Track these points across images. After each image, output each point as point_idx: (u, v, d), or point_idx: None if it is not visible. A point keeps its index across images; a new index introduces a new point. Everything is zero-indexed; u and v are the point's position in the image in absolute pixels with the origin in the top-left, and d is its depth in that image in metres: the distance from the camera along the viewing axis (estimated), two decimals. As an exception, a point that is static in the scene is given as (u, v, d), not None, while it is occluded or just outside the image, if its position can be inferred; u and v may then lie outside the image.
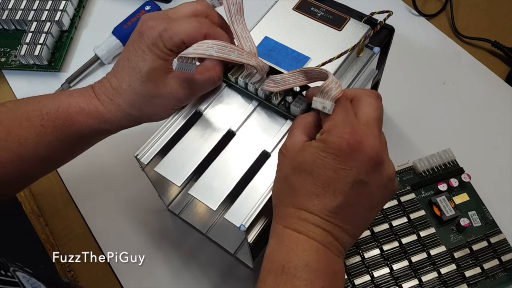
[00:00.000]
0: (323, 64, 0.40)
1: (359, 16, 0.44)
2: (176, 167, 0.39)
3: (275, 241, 0.34)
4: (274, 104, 0.41)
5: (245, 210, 0.37)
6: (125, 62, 0.38)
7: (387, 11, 0.42)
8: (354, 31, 0.42)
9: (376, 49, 0.44)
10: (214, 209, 0.37)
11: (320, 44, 0.42)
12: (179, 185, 0.39)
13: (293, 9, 0.44)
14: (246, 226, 0.36)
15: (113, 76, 0.39)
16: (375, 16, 0.44)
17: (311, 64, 0.41)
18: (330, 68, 0.40)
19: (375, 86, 0.51)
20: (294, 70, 0.37)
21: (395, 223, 0.47)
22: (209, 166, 0.39)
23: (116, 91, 0.39)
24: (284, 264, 0.32)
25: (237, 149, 0.40)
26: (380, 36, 0.44)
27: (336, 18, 0.43)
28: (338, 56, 0.40)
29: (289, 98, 0.40)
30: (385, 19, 0.42)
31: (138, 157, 0.40)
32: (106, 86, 0.39)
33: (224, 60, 0.38)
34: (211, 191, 0.38)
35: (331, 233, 0.33)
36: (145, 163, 0.40)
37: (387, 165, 0.34)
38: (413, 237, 0.46)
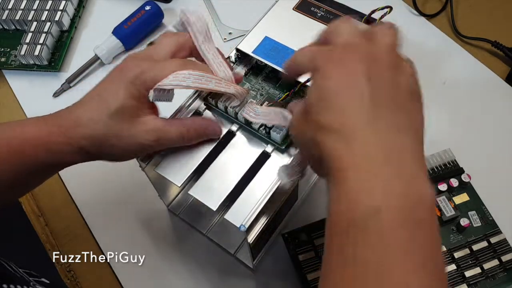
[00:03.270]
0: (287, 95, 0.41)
1: (359, 16, 0.44)
2: (176, 167, 0.39)
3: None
4: (254, 129, 0.40)
5: (245, 210, 0.37)
6: (95, 97, 0.36)
7: (387, 7, 0.41)
8: (354, 31, 0.42)
9: (376, 49, 0.44)
10: (214, 209, 0.37)
11: (320, 44, 0.42)
12: (179, 185, 0.39)
13: (293, 9, 0.44)
14: (246, 226, 0.36)
15: (77, 107, 0.37)
16: (376, 13, 0.43)
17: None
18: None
19: (375, 86, 0.51)
20: (276, 108, 0.37)
21: (395, 223, 0.47)
22: (209, 166, 0.39)
23: (75, 123, 0.36)
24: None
25: (237, 149, 0.40)
26: (380, 36, 0.44)
27: (336, 18, 0.43)
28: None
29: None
30: (382, 16, 0.42)
31: (138, 157, 0.40)
32: (65, 117, 0.36)
33: (202, 90, 0.37)
34: (211, 191, 0.38)
35: None
36: (145, 163, 0.40)
37: None
38: (413, 237, 0.46)
